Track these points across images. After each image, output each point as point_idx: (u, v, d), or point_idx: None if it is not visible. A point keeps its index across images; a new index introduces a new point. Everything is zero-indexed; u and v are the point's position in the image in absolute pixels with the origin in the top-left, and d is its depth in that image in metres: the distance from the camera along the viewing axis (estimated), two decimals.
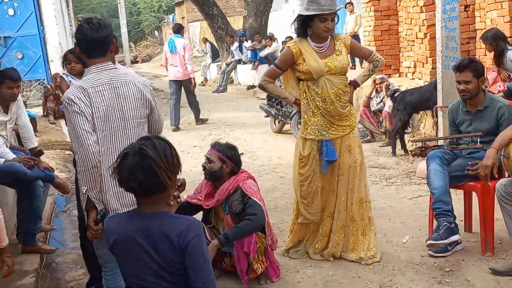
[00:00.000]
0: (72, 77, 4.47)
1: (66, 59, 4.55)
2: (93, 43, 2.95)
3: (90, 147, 2.84)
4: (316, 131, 4.19)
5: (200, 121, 11.31)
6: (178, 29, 11.43)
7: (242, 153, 4.39)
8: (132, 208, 2.82)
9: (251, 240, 3.86)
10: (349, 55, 4.31)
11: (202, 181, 4.30)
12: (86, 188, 2.89)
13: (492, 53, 6.39)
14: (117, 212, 2.88)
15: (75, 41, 3.08)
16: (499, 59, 6.29)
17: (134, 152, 2.10)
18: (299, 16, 4.14)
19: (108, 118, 2.91)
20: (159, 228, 2.14)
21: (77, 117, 2.85)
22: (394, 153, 7.66)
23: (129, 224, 2.18)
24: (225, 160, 4.08)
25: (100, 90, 2.90)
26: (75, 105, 2.85)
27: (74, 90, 2.90)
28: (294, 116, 8.62)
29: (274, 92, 4.39)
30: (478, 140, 4.29)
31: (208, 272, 2.16)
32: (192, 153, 8.61)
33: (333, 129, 4.19)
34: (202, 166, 4.13)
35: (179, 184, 3.18)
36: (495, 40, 6.25)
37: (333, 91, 4.12)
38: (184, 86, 10.98)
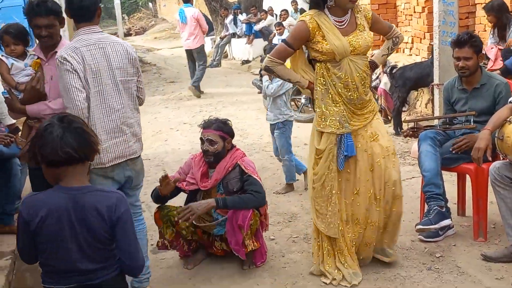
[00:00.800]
0: (14, 59, 3.86)
1: (2, 41, 3.97)
2: (80, 10, 3.23)
3: (79, 103, 3.10)
4: (338, 123, 3.55)
5: (194, 88, 11.01)
6: None
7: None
8: (123, 160, 3.28)
9: (246, 215, 3.72)
10: None
11: (187, 161, 4.13)
12: None
13: (492, 24, 6.18)
14: (109, 164, 3.21)
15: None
16: (501, 32, 6.08)
17: (58, 123, 2.16)
18: None
19: (99, 75, 3.19)
20: (89, 202, 2.18)
21: (68, 75, 3.09)
22: (397, 133, 7.19)
23: (60, 198, 2.18)
24: (226, 137, 3.94)
25: (90, 49, 3.17)
26: (68, 63, 3.09)
27: (67, 50, 3.15)
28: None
29: (284, 75, 3.67)
30: (472, 119, 4.09)
31: (137, 243, 2.30)
32: (181, 130, 8.42)
33: (354, 119, 3.59)
34: (204, 150, 3.92)
35: (172, 182, 3.74)
36: (500, 12, 6.02)
37: (358, 74, 3.51)
38: (195, 55, 10.97)
